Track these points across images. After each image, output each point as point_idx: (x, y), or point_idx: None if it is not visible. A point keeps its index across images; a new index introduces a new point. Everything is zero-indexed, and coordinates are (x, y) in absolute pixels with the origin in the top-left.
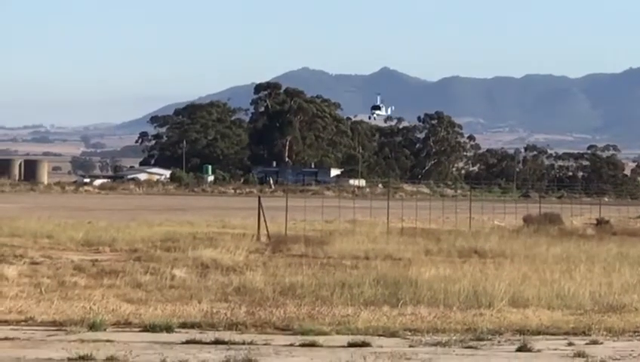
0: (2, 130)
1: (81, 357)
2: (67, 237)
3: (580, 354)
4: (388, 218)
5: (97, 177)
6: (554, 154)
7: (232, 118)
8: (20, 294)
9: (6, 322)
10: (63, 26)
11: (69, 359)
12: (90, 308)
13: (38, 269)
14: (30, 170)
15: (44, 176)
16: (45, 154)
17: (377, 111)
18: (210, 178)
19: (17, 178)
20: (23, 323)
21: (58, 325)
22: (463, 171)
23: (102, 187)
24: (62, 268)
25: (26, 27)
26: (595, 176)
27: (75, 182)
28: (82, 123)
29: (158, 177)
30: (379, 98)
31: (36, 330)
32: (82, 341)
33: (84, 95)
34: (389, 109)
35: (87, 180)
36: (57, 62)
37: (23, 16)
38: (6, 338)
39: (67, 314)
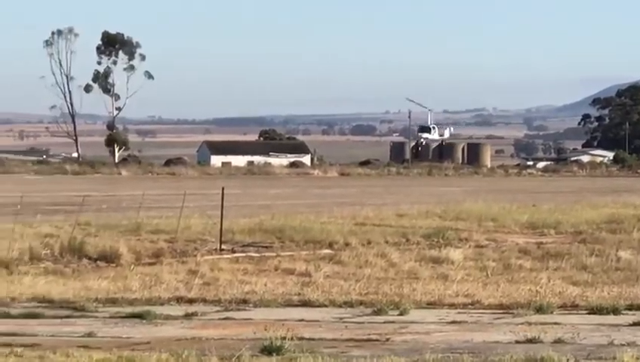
0: (446, 114)
1: (529, 340)
2: (511, 220)
3: None
4: None
5: (540, 160)
6: None
7: None
8: (466, 277)
9: (453, 305)
10: (505, 10)
11: (516, 341)
12: (536, 290)
13: (484, 252)
14: (473, 153)
15: (487, 159)
16: (488, 137)
17: (425, 134)
18: None
19: (461, 161)
20: (469, 306)
21: (504, 308)
22: None
23: (545, 169)
24: (507, 251)
25: (458, 12)
26: None
27: (517, 165)
28: (525, 105)
29: (601, 159)
30: (429, 116)
31: (483, 313)
32: (529, 324)
33: (526, 77)
34: (447, 130)
35: (530, 163)
36: (496, 44)
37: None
38: (453, 322)
39: (513, 297)
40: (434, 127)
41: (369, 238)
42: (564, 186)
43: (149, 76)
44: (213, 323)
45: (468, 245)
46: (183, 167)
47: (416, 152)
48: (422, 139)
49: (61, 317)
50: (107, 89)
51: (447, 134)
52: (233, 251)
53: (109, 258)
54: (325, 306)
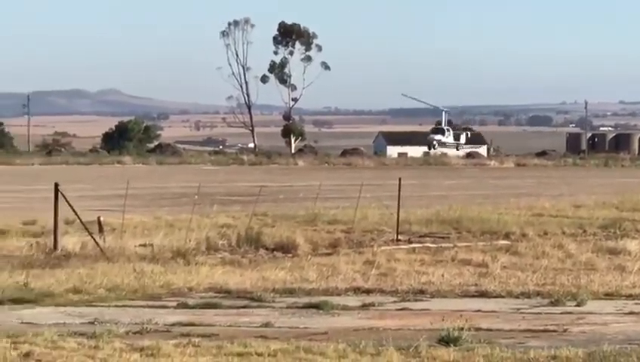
0: (621, 105)
1: None
2: None
3: None
4: None
5: None
6: None
7: None
8: None
9: (630, 296)
10: None
11: None
12: None
13: None
14: None
15: None
16: None
17: (438, 136)
18: None
19: (637, 152)
20: None
21: None
22: None
23: None
24: None
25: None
26: None
27: None
28: None
29: None
30: (444, 116)
31: None
32: None
33: None
34: (463, 136)
35: None
36: None
37: None
38: (631, 313)
39: None
40: (448, 130)
41: (546, 229)
42: None
43: (326, 67)
44: (390, 313)
45: None
46: (359, 157)
47: (592, 143)
48: (434, 141)
49: (238, 308)
50: (283, 80)
51: (463, 139)
52: (410, 241)
53: (285, 248)
54: (502, 297)
